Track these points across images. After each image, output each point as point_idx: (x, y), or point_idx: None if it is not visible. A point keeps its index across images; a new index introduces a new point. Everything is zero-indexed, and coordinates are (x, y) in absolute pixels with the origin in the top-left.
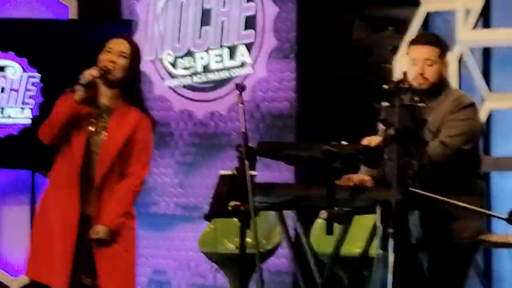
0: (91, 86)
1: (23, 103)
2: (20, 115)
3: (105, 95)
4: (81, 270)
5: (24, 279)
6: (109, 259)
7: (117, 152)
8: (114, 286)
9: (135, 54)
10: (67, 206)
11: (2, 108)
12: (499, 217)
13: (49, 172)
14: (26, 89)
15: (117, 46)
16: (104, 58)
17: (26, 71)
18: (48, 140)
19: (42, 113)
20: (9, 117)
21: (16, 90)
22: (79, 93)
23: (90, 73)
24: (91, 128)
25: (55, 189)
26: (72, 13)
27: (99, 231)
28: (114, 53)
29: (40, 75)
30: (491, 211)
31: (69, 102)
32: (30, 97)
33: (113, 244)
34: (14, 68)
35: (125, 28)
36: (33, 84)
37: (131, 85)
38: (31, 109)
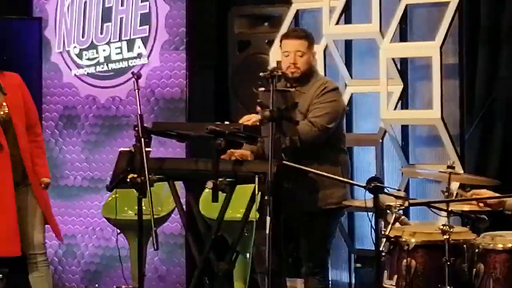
0: None
1: None
2: None
3: None
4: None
5: None
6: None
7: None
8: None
9: None
10: (3, 181)
11: None
12: (359, 185)
13: None
14: None
15: None
16: None
17: None
18: None
19: None
20: None
21: None
22: None
23: None
24: None
25: None
26: None
27: (46, 182)
28: None
29: None
30: (354, 180)
31: None
32: None
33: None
34: None
35: (35, 24)
36: None
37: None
38: None
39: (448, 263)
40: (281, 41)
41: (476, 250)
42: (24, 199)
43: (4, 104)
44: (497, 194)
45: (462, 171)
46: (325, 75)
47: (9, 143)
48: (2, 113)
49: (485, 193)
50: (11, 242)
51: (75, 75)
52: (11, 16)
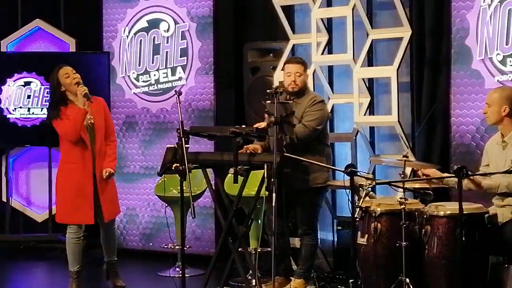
0: (88, 97)
1: (41, 105)
2: (40, 113)
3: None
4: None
5: (45, 215)
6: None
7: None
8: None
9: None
10: (86, 171)
11: (29, 108)
12: (339, 170)
13: (60, 149)
14: (43, 96)
15: (68, 70)
16: (69, 82)
17: (43, 85)
18: (76, 139)
19: None
20: (33, 113)
21: (37, 97)
22: (83, 99)
23: (83, 89)
24: (89, 120)
25: (74, 163)
26: (72, 48)
27: (109, 171)
28: (70, 73)
29: None
30: (335, 167)
31: (78, 110)
32: (46, 101)
33: (111, 183)
34: (36, 83)
35: (105, 57)
36: (47, 93)
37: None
38: (47, 108)
39: (404, 225)
40: (284, 65)
41: (424, 216)
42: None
43: (90, 117)
44: (439, 173)
45: (413, 159)
46: (314, 90)
47: (91, 144)
48: (89, 123)
49: (433, 171)
50: (87, 214)
51: (134, 93)
52: (88, 51)
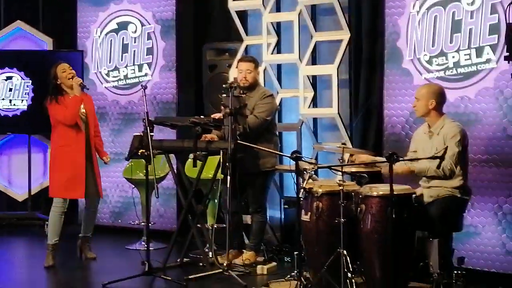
0: (83, 86)
1: (22, 97)
2: (21, 104)
3: (73, 91)
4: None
5: (25, 195)
6: (97, 169)
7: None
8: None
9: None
10: (79, 152)
11: (10, 100)
12: (286, 156)
13: (54, 133)
14: (24, 89)
15: (65, 66)
16: (65, 75)
17: (23, 79)
18: (74, 123)
19: (33, 102)
20: (14, 105)
21: (18, 90)
22: (78, 88)
23: (78, 80)
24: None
25: (68, 146)
26: (49, 46)
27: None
28: (67, 69)
29: (31, 81)
30: (282, 153)
31: (76, 98)
32: (26, 93)
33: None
34: (17, 77)
35: (79, 55)
36: (27, 86)
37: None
38: (27, 100)
39: (342, 204)
40: (238, 63)
41: (360, 196)
42: (88, 165)
43: (83, 111)
44: (370, 157)
45: (351, 146)
46: (264, 86)
47: (85, 129)
48: (82, 112)
49: (366, 157)
50: (78, 189)
51: (105, 87)
52: (64, 50)
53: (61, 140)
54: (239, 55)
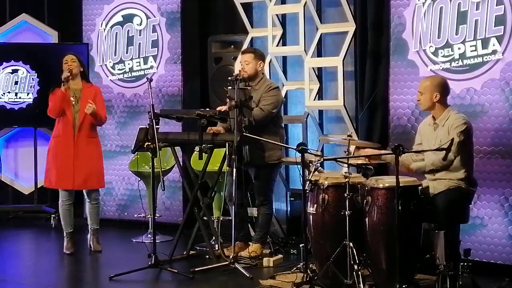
0: (67, 80)
1: (27, 90)
2: (26, 97)
3: (74, 83)
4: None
5: (31, 188)
6: (92, 163)
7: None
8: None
9: (79, 60)
10: (67, 143)
11: (16, 93)
12: (292, 148)
13: (54, 128)
14: (29, 82)
15: (68, 57)
16: (64, 67)
17: (29, 72)
18: (56, 116)
19: (39, 95)
20: (20, 98)
21: (24, 83)
22: (63, 86)
23: (65, 75)
24: (73, 100)
25: (58, 137)
26: (55, 39)
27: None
28: (69, 61)
29: (37, 74)
30: (288, 145)
31: (60, 93)
32: (31, 86)
33: (94, 153)
34: (22, 70)
35: (85, 48)
36: (33, 79)
37: (84, 76)
38: (32, 93)
39: (348, 196)
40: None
41: (366, 188)
42: (82, 155)
43: (75, 97)
44: (376, 150)
45: (357, 139)
46: (270, 78)
47: (73, 120)
48: (73, 101)
49: (370, 151)
50: (65, 180)
51: (110, 80)
52: (69, 43)
53: (53, 131)
54: (244, 47)
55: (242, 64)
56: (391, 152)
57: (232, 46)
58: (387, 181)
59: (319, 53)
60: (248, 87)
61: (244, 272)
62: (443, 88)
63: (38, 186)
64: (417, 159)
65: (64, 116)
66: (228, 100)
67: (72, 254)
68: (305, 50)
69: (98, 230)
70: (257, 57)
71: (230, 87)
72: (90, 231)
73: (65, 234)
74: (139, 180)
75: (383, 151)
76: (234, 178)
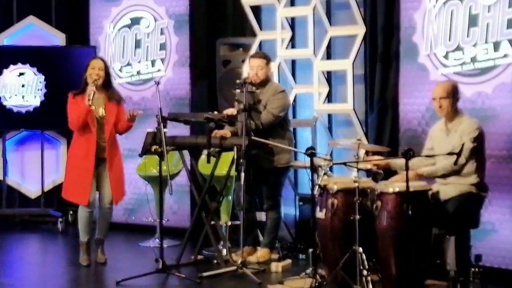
0: (93, 95)
1: (35, 93)
2: (34, 100)
3: (98, 93)
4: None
5: (38, 192)
6: (115, 173)
7: (113, 121)
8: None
9: (107, 67)
10: (87, 156)
11: (23, 96)
12: (301, 152)
13: (72, 139)
14: (36, 85)
15: (97, 64)
16: (90, 73)
17: (36, 75)
18: (77, 129)
19: (46, 98)
20: (27, 101)
21: (31, 86)
22: (88, 102)
23: (91, 90)
24: (97, 112)
25: (78, 148)
26: (62, 42)
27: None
28: (96, 68)
29: (44, 77)
30: (297, 149)
31: (84, 107)
32: (39, 89)
33: (117, 162)
34: (29, 73)
35: (92, 50)
36: (40, 82)
37: (108, 84)
38: (40, 96)
39: (358, 201)
40: (249, 59)
41: (376, 193)
42: (102, 170)
43: (101, 112)
44: (384, 160)
45: (366, 143)
46: (279, 82)
47: (98, 135)
48: (99, 116)
49: (377, 157)
50: (82, 196)
51: (118, 83)
52: (77, 45)
53: (73, 144)
54: (252, 50)
55: (254, 69)
56: (401, 156)
57: (241, 49)
58: (397, 185)
59: (328, 56)
60: (256, 90)
61: (253, 277)
62: (458, 93)
63: (45, 190)
64: (427, 164)
65: (87, 130)
66: (236, 103)
67: (88, 266)
68: (314, 53)
69: (103, 241)
70: (269, 62)
71: (238, 90)
72: (95, 241)
73: (81, 243)
74: (146, 184)
75: (390, 160)
76: (242, 183)
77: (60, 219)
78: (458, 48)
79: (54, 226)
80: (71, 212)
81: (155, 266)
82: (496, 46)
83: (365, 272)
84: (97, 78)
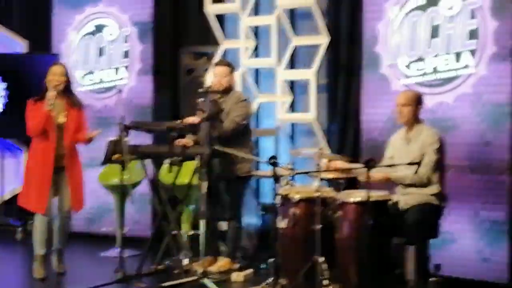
0: (53, 100)
1: None
2: None
3: (58, 99)
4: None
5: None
6: (75, 181)
7: (74, 128)
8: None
9: (67, 73)
10: (45, 163)
11: None
12: (262, 161)
13: (30, 146)
14: None
15: (58, 70)
16: (51, 79)
17: None
18: (36, 135)
19: (7, 106)
20: None
21: None
22: (48, 107)
23: (52, 94)
24: (57, 118)
25: (36, 155)
26: (25, 49)
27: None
28: (57, 74)
29: (6, 84)
30: (259, 158)
31: (43, 113)
32: (0, 97)
33: (77, 171)
34: None
35: (55, 58)
36: (2, 89)
37: (68, 90)
38: (2, 104)
39: (319, 210)
40: (213, 67)
41: (337, 202)
42: (61, 178)
43: (62, 117)
44: (347, 164)
45: (329, 152)
46: (242, 90)
47: (57, 141)
48: (60, 121)
49: (341, 162)
50: (39, 203)
51: (80, 90)
52: (39, 52)
53: (31, 151)
54: (216, 60)
55: (218, 77)
56: (363, 166)
57: (205, 58)
58: (358, 195)
59: (292, 65)
60: (219, 99)
61: (214, 287)
62: (421, 103)
63: (5, 199)
64: (391, 171)
65: (46, 136)
66: (199, 112)
67: (43, 280)
68: (278, 62)
69: (63, 251)
70: (233, 70)
71: (201, 99)
72: (54, 251)
73: (36, 256)
74: (108, 193)
75: (352, 165)
76: (203, 192)
77: (19, 229)
78: (420, 59)
79: (14, 236)
80: (31, 221)
81: (115, 276)
82: (458, 56)
83: (325, 282)
84: (58, 84)
